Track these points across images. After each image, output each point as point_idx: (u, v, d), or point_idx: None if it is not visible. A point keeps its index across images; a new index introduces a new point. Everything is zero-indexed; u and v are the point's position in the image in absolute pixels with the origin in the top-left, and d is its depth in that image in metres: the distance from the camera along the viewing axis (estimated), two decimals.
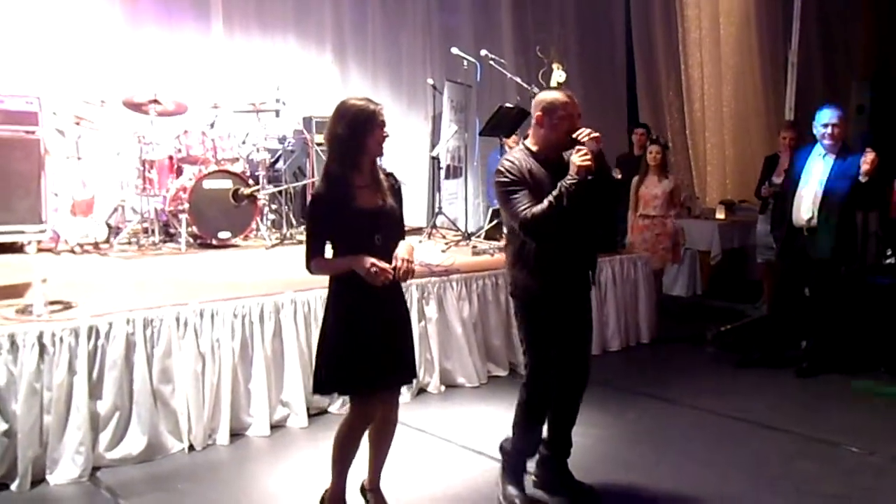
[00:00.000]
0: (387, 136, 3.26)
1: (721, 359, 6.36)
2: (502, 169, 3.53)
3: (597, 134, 3.46)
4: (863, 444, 4.47)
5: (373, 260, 3.14)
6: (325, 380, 3.31)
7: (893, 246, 6.50)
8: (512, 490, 3.73)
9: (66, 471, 3.96)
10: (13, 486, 3.84)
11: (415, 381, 5.13)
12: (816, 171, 5.69)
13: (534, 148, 3.60)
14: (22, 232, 5.79)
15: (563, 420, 3.83)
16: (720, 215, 9.42)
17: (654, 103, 11.54)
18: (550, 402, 3.74)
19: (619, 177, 8.42)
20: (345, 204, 3.18)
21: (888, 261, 6.75)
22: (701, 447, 4.51)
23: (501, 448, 3.86)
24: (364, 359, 3.22)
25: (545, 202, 3.40)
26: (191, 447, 4.35)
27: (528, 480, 3.86)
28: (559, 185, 3.40)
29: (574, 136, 3.46)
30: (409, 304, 5.19)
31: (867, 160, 5.37)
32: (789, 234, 5.87)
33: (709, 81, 11.27)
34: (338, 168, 3.23)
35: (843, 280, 6.01)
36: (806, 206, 5.71)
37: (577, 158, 3.40)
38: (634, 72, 11.62)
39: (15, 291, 4.62)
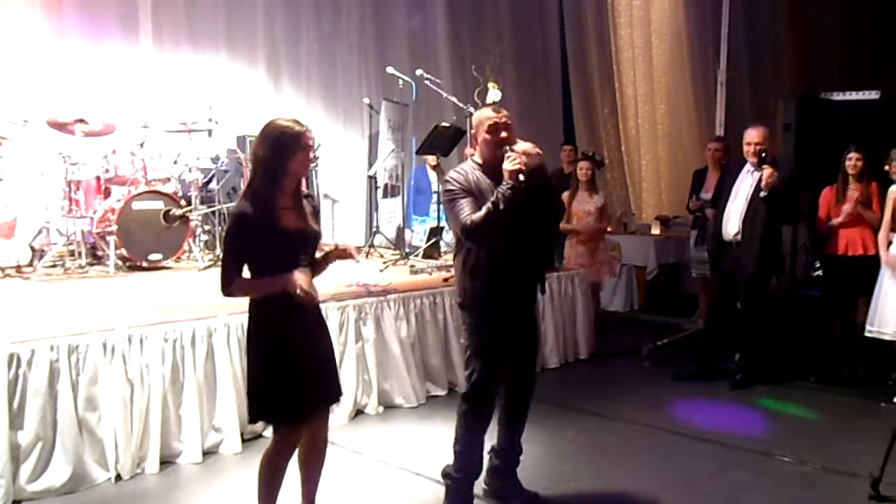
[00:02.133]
0: (313, 159, 3.23)
1: (658, 373, 6.43)
2: (449, 179, 3.69)
3: (527, 148, 3.61)
4: (794, 455, 4.56)
5: (303, 277, 3.09)
6: (253, 408, 3.25)
7: (821, 259, 6.66)
8: None
9: None
10: None
11: (350, 401, 5.09)
12: (744, 187, 5.84)
13: (479, 161, 3.76)
14: None
15: (514, 427, 3.91)
16: (655, 231, 9.58)
17: (589, 121, 11.71)
18: (491, 413, 3.78)
19: None
20: (269, 225, 3.11)
21: (816, 273, 6.92)
22: (638, 461, 4.54)
23: (445, 475, 3.85)
24: (287, 387, 3.15)
25: (484, 208, 3.54)
26: (118, 477, 4.20)
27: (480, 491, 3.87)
28: (496, 191, 3.55)
29: (505, 148, 3.61)
30: (345, 324, 5.19)
31: (764, 175, 5.59)
32: (719, 249, 6.00)
33: (642, 99, 11.51)
34: (261, 188, 3.16)
35: (773, 293, 6.14)
36: (734, 221, 5.85)
37: (508, 164, 3.55)
38: (570, 90, 11.76)
39: None
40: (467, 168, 3.72)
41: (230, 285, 3.15)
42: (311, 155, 3.22)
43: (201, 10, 8.51)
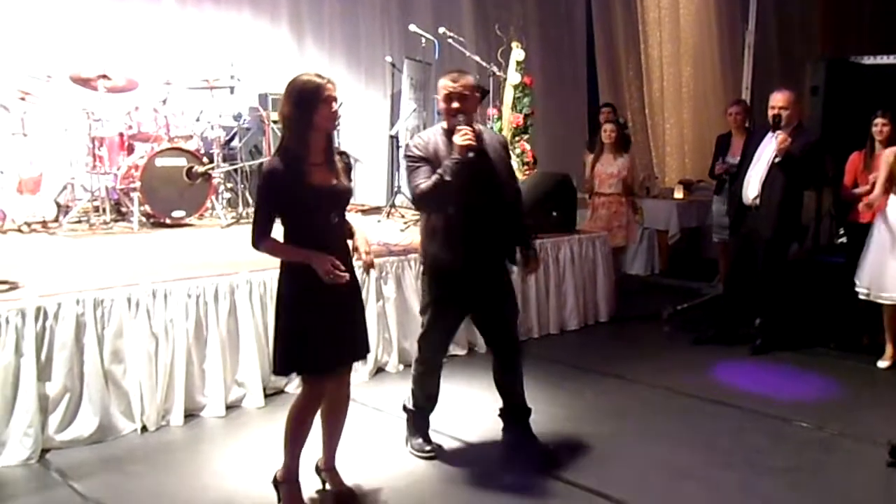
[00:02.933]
0: (337, 111, 3.23)
1: (677, 337, 6.42)
2: (411, 145, 3.87)
3: (468, 133, 3.69)
4: (812, 420, 4.56)
5: (333, 260, 3.12)
6: (281, 360, 3.30)
7: (845, 226, 6.60)
8: (417, 440, 4.06)
9: (14, 453, 3.88)
10: None
11: (371, 359, 5.14)
12: (767, 152, 5.77)
13: (445, 126, 3.88)
14: None
15: (508, 389, 4.11)
16: (678, 195, 9.51)
17: (613, 82, 11.58)
18: (436, 367, 4.08)
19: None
20: (298, 181, 3.13)
21: (840, 240, 6.86)
22: (656, 424, 4.56)
23: (404, 407, 4.18)
24: (317, 339, 3.20)
25: (432, 178, 3.71)
26: (143, 428, 4.29)
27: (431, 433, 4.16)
28: (443, 162, 3.70)
29: (459, 119, 3.73)
30: (366, 284, 5.22)
31: (777, 141, 5.56)
32: (739, 213, 5.97)
33: (668, 61, 11.34)
34: (291, 145, 3.19)
35: (794, 259, 6.10)
36: (754, 184, 5.80)
37: (458, 138, 3.67)
38: (594, 51, 11.62)
39: None
40: (431, 134, 3.87)
41: (259, 241, 3.19)
42: (335, 108, 3.21)
43: None
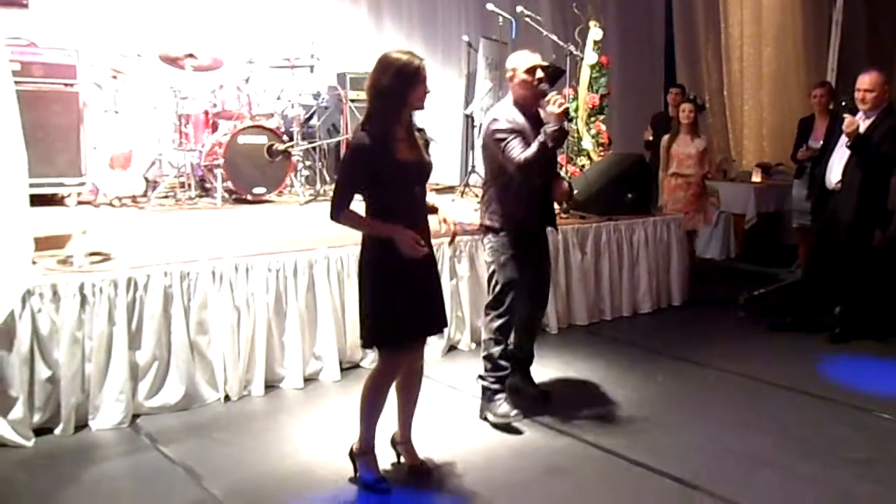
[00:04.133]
0: (429, 91, 3.28)
1: (753, 323, 6.33)
2: (499, 119, 4.13)
3: (562, 101, 4.06)
4: (893, 411, 4.45)
5: (414, 234, 3.18)
6: (369, 334, 3.36)
7: None
8: (501, 407, 4.20)
9: (107, 417, 4.08)
10: (57, 431, 3.97)
11: (446, 333, 5.19)
12: None
13: (514, 100, 4.23)
14: (62, 184, 5.91)
15: (527, 336, 4.51)
16: (756, 178, 9.32)
17: (691, 62, 11.36)
18: (512, 323, 4.28)
19: (651, 138, 8.37)
20: (386, 155, 3.19)
21: None
22: (729, 410, 4.52)
23: (480, 377, 4.33)
24: (400, 313, 3.27)
25: (534, 146, 4.02)
26: (226, 397, 4.46)
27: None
28: (542, 130, 4.03)
29: (545, 99, 4.12)
30: (440, 262, 5.27)
31: (844, 125, 5.44)
32: (821, 197, 5.83)
33: (749, 41, 11.04)
34: (380, 119, 3.23)
35: (879, 245, 5.93)
36: (836, 168, 5.67)
37: (554, 107, 4.02)
38: (673, 30, 11.42)
39: (56, 243, 4.69)
40: (506, 109, 4.17)
41: (340, 213, 3.24)
42: (428, 88, 3.28)
43: None
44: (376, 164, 3.18)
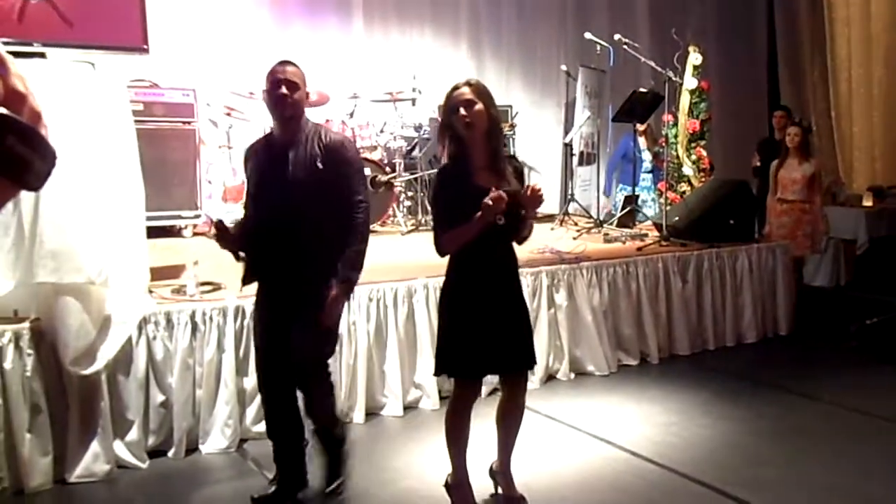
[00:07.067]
0: (466, 115, 3.20)
1: (866, 354, 6.08)
2: None
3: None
4: None
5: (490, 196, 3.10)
6: (436, 362, 3.43)
7: None
8: None
9: (216, 441, 4.26)
10: (170, 454, 4.17)
11: (542, 366, 5.19)
12: None
13: None
14: (179, 216, 6.21)
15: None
16: (867, 202, 8.96)
17: (796, 84, 11.06)
18: None
19: (759, 164, 8.19)
20: (464, 180, 3.26)
21: None
22: (841, 446, 4.33)
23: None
24: (463, 343, 3.29)
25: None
26: None
27: None
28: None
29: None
30: (538, 291, 5.30)
31: None
32: None
33: (857, 61, 10.66)
34: (449, 150, 3.36)
35: None
36: None
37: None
38: (776, 52, 11.15)
39: (171, 273, 4.96)
40: None
41: (440, 242, 3.31)
42: (463, 112, 3.20)
43: None
44: (453, 188, 3.28)
